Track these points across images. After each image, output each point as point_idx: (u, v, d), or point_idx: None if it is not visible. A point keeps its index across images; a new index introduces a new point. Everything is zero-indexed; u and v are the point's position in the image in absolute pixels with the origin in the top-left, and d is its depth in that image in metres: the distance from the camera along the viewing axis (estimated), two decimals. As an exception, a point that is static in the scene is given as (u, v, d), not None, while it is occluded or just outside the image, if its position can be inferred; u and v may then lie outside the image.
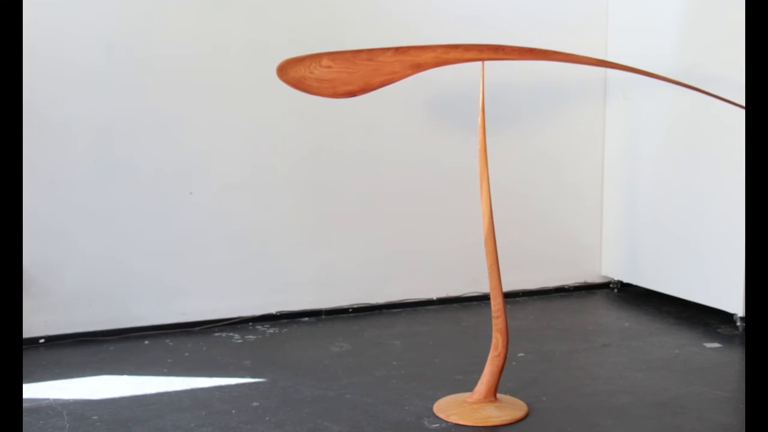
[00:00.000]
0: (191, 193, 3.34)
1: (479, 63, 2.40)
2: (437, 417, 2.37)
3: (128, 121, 3.22)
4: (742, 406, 2.43)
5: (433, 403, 2.46)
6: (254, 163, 3.43)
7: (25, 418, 2.36)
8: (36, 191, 3.08)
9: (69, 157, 3.14)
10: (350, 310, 3.63)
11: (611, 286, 4.12)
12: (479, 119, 2.42)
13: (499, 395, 2.47)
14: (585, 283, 4.12)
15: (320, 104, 3.45)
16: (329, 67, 2.30)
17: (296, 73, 2.35)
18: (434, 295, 3.80)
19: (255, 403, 2.49)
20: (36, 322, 3.12)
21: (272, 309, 3.50)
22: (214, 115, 3.35)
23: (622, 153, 3.95)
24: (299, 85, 2.43)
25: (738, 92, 3.14)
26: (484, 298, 3.81)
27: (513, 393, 2.55)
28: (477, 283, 3.82)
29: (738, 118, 3.17)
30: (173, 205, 3.31)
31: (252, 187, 3.43)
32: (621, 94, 3.90)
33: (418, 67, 2.38)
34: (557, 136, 3.99)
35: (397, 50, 2.22)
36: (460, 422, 2.32)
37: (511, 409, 2.40)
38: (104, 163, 3.20)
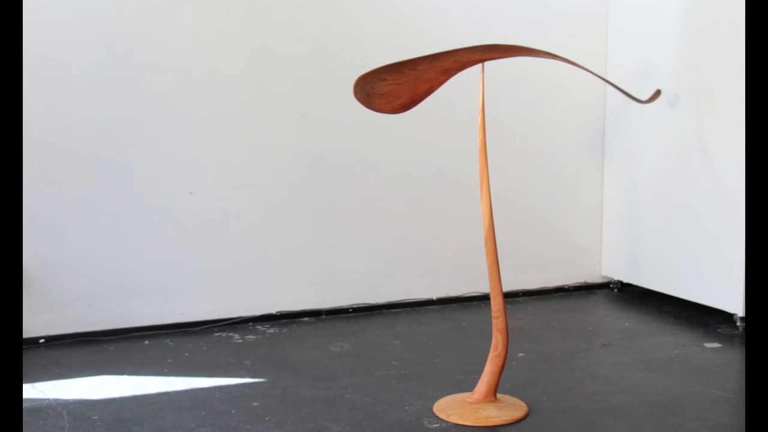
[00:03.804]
0: (191, 193, 3.34)
1: (479, 65, 2.41)
2: (437, 417, 2.37)
3: (128, 121, 3.22)
4: (742, 406, 2.43)
5: (433, 403, 2.46)
6: (254, 164, 3.43)
7: (25, 418, 2.36)
8: (36, 191, 3.08)
9: (69, 157, 3.14)
10: (350, 310, 3.63)
11: (611, 286, 4.12)
12: (479, 119, 2.42)
13: (499, 395, 2.47)
14: (585, 283, 4.12)
15: (320, 106, 3.48)
16: (385, 80, 2.29)
17: (363, 90, 2.33)
18: (434, 295, 3.80)
19: (255, 403, 2.49)
20: (36, 322, 3.11)
21: (272, 309, 3.50)
22: (215, 116, 3.35)
23: (621, 152, 3.95)
24: (367, 102, 2.41)
25: (738, 93, 3.15)
26: (484, 298, 3.81)
27: (513, 393, 2.55)
28: (477, 283, 3.82)
29: (737, 119, 3.17)
30: (173, 205, 3.31)
31: (252, 188, 3.43)
32: (621, 95, 3.89)
33: (447, 73, 2.38)
34: (557, 136, 3.99)
35: (432, 57, 2.22)
36: (460, 422, 2.32)
37: (511, 409, 2.40)
38: (104, 164, 3.20)
